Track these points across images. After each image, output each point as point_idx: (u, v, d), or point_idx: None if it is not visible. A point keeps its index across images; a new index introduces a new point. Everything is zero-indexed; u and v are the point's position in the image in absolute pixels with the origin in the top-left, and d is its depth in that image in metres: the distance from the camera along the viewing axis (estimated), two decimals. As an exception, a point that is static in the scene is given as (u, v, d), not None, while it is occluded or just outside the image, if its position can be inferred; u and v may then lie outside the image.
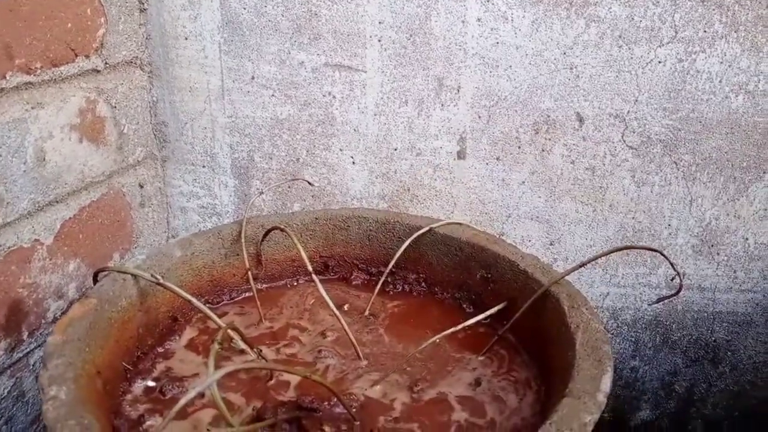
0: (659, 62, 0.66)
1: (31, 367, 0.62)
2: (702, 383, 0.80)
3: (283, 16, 0.69)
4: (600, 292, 0.76)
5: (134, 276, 0.53)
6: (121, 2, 0.68)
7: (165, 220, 0.81)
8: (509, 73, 0.68)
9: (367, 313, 0.61)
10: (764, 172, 0.69)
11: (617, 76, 0.67)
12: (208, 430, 0.46)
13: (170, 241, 0.61)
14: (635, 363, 0.80)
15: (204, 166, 0.77)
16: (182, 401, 0.34)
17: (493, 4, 0.66)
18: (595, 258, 0.51)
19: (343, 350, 0.55)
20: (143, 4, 0.71)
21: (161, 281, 0.53)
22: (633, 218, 0.72)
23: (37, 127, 0.58)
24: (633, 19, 0.65)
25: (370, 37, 0.69)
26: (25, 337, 0.60)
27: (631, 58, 0.66)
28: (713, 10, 0.64)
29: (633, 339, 0.78)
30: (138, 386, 0.50)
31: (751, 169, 0.69)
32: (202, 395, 0.48)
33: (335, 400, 0.47)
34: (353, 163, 0.74)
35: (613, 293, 0.76)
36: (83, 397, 0.41)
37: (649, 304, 0.75)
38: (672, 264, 0.47)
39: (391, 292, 0.64)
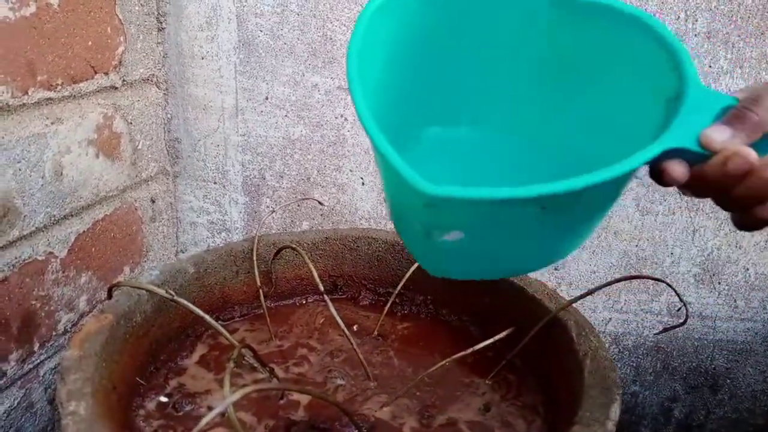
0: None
1: (41, 378, 0.62)
2: (701, 410, 0.81)
3: (298, 39, 0.71)
4: (603, 317, 0.77)
5: (149, 292, 0.54)
6: (140, 21, 0.70)
7: (174, 234, 0.81)
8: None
9: (375, 334, 0.62)
10: (766, 205, 0.70)
11: (624, 107, 0.68)
12: (220, 448, 0.47)
13: (183, 257, 0.62)
14: (636, 388, 0.81)
15: (215, 183, 0.78)
16: (202, 422, 0.35)
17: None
18: (603, 286, 0.52)
19: (352, 371, 0.56)
20: (161, 23, 0.72)
21: (176, 297, 0.54)
22: (636, 246, 0.74)
23: (56, 142, 0.59)
24: (641, 52, 0.66)
25: (384, 61, 0.70)
26: (36, 348, 0.61)
27: (639, 89, 0.68)
28: (719, 46, 0.65)
29: (634, 365, 0.79)
30: (151, 402, 0.51)
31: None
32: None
33: (346, 420, 0.47)
34: (363, 184, 0.75)
35: (616, 319, 0.77)
36: (101, 413, 0.41)
37: (654, 334, 0.76)
38: (678, 295, 0.49)
39: (399, 314, 0.65)
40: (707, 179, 0.34)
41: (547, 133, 0.45)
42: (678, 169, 0.34)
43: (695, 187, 0.35)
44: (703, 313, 0.76)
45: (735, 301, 0.75)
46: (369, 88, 0.39)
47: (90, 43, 0.63)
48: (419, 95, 0.45)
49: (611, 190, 0.36)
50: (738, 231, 0.71)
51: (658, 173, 0.34)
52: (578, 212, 0.37)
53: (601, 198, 0.36)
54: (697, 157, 0.34)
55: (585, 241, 0.43)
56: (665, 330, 0.52)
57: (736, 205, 0.35)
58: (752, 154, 0.32)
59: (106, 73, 0.66)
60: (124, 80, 0.68)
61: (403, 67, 0.43)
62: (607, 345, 0.78)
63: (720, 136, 0.33)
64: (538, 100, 0.45)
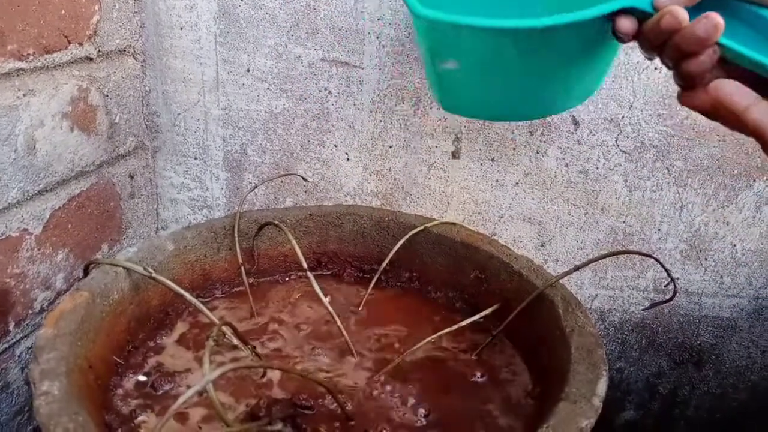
0: (655, 69, 0.66)
1: (17, 358, 0.61)
2: (686, 385, 0.81)
3: (281, 9, 0.68)
4: (589, 294, 0.77)
5: (126, 269, 0.53)
6: (115, -11, 0.67)
7: (155, 211, 0.80)
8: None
9: (360, 309, 0.61)
10: (754, 180, 0.70)
11: (613, 82, 0.67)
12: (199, 427, 0.46)
13: (162, 234, 0.61)
14: (621, 364, 0.81)
15: (196, 158, 0.76)
16: (179, 401, 0.34)
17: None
18: (591, 262, 0.52)
19: (335, 347, 0.55)
20: (138, -9, 0.70)
21: (154, 275, 0.52)
22: (624, 222, 0.73)
23: (29, 114, 0.57)
24: (631, 24, 0.65)
25: (369, 33, 0.68)
26: (11, 327, 0.59)
27: (628, 63, 0.66)
28: None
29: (620, 341, 0.79)
30: (129, 381, 0.49)
31: (741, 176, 0.70)
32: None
33: (329, 397, 0.47)
34: (348, 159, 0.74)
35: (602, 295, 0.77)
36: (76, 393, 0.40)
37: (642, 309, 0.76)
38: (667, 270, 0.48)
39: (384, 290, 0.64)
40: (647, 34, 0.40)
41: None
42: (626, 23, 0.40)
43: (642, 41, 0.41)
44: (690, 290, 0.75)
45: (721, 277, 0.75)
46: None
47: (63, 11, 0.60)
48: None
49: (575, 38, 0.43)
50: (725, 207, 0.71)
51: (613, 28, 0.41)
52: (553, 58, 0.44)
53: (569, 45, 0.43)
54: (648, 16, 0.39)
55: (576, 99, 0.50)
56: (652, 306, 0.51)
57: (670, 60, 0.40)
58: (682, 14, 0.37)
59: (81, 44, 0.63)
60: (99, 51, 0.66)
61: None
62: (593, 321, 0.78)
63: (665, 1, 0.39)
64: None
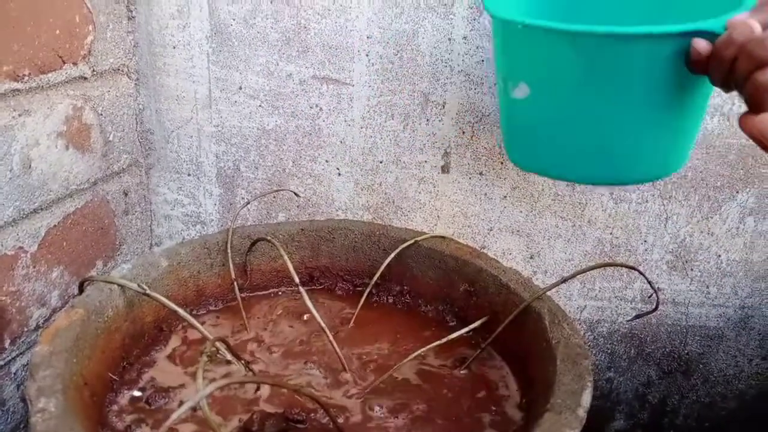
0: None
1: (13, 375, 0.61)
2: (675, 395, 0.82)
3: (272, 28, 0.70)
4: (578, 305, 0.78)
5: (121, 286, 0.53)
6: (109, 10, 0.68)
7: (149, 227, 0.80)
8: (494, 91, 0.70)
9: (351, 324, 0.62)
10: (737, 192, 0.71)
11: (598, 96, 0.69)
12: (193, 441, 0.47)
13: (156, 251, 0.62)
14: (610, 374, 0.82)
15: (189, 175, 0.77)
16: (173, 417, 0.35)
17: (479, 23, 0.67)
18: (576, 274, 0.53)
19: (327, 362, 0.56)
20: (131, 12, 0.71)
21: (148, 292, 0.53)
22: (611, 234, 0.74)
23: (24, 134, 0.58)
24: (614, 41, 0.67)
25: (358, 51, 0.70)
26: (7, 345, 0.60)
27: (612, 78, 0.68)
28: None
29: (609, 351, 0.80)
30: (124, 397, 0.50)
31: (724, 188, 0.71)
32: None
33: (321, 411, 0.47)
34: (339, 174, 0.75)
35: (590, 306, 0.78)
36: (72, 409, 0.41)
37: (627, 321, 0.77)
38: (650, 282, 0.49)
39: (376, 304, 0.65)
40: (719, 51, 0.40)
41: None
42: (701, 43, 0.41)
43: (714, 65, 0.41)
44: (676, 300, 0.77)
45: (707, 287, 0.76)
46: None
47: (57, 32, 0.61)
48: None
49: (657, 61, 0.42)
50: (710, 218, 0.72)
51: (688, 52, 0.41)
52: (628, 90, 0.43)
53: (651, 70, 0.42)
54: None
55: (664, 159, 0.47)
56: (637, 317, 0.53)
57: (742, 75, 0.39)
58: (755, 24, 0.38)
59: (75, 63, 0.64)
60: (93, 70, 0.67)
61: None
62: (582, 332, 0.79)
63: (739, 18, 0.40)
64: None
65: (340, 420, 0.48)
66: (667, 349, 0.79)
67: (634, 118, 0.45)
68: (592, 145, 0.46)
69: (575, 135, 0.46)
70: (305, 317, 0.62)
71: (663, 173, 0.49)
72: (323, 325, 0.54)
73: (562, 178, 0.52)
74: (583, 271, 0.53)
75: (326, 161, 0.75)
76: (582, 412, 0.41)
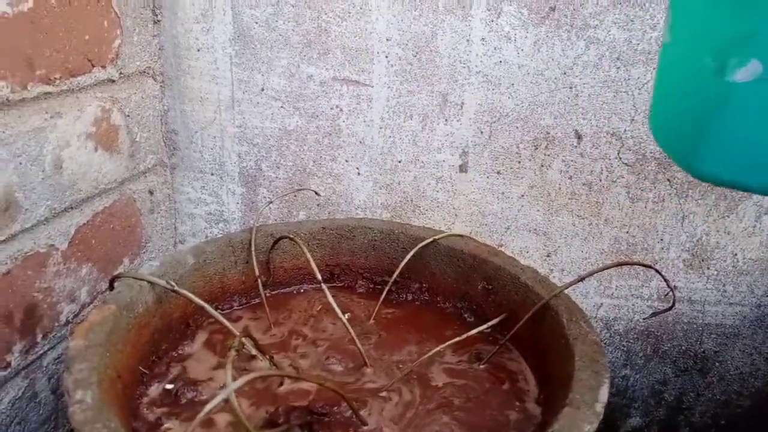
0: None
1: (44, 368, 0.63)
2: (690, 392, 0.82)
3: (293, 31, 0.71)
4: (594, 302, 0.79)
5: (150, 283, 0.55)
6: (136, 14, 0.70)
7: (173, 225, 0.82)
8: (511, 91, 0.71)
9: (371, 321, 0.63)
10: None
11: (615, 96, 0.70)
12: (222, 433, 0.48)
13: (182, 248, 0.63)
14: (626, 372, 0.82)
15: (212, 174, 0.79)
16: (206, 409, 0.36)
17: (497, 24, 0.68)
18: (593, 273, 0.54)
19: (349, 357, 0.57)
20: (157, 16, 0.73)
21: (176, 288, 0.55)
22: (627, 232, 0.75)
23: (56, 135, 0.60)
24: (631, 42, 0.67)
25: (378, 53, 0.71)
26: (39, 339, 0.62)
27: (629, 79, 0.69)
28: (708, 35, 0.66)
29: (625, 348, 0.81)
30: (154, 389, 0.52)
31: (741, 187, 0.72)
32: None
33: (344, 405, 0.49)
34: (358, 173, 0.76)
35: (607, 304, 0.79)
36: (107, 401, 0.43)
37: (643, 319, 0.78)
38: (666, 280, 0.50)
39: (395, 301, 0.67)
40: None
41: None
42: None
43: None
44: (693, 298, 0.77)
45: (724, 285, 0.77)
46: None
47: (87, 37, 0.63)
48: None
49: None
50: (726, 217, 0.73)
51: None
52: None
53: None
54: None
55: None
56: (653, 315, 0.53)
57: None
58: None
59: (104, 67, 0.66)
60: (121, 73, 0.69)
61: None
62: (598, 330, 0.80)
63: None
64: None
65: (364, 413, 0.49)
66: (683, 347, 0.80)
67: None
68: None
69: None
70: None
71: None
72: (344, 320, 0.56)
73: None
74: (600, 270, 0.54)
75: (346, 161, 0.76)
76: (599, 408, 0.42)
